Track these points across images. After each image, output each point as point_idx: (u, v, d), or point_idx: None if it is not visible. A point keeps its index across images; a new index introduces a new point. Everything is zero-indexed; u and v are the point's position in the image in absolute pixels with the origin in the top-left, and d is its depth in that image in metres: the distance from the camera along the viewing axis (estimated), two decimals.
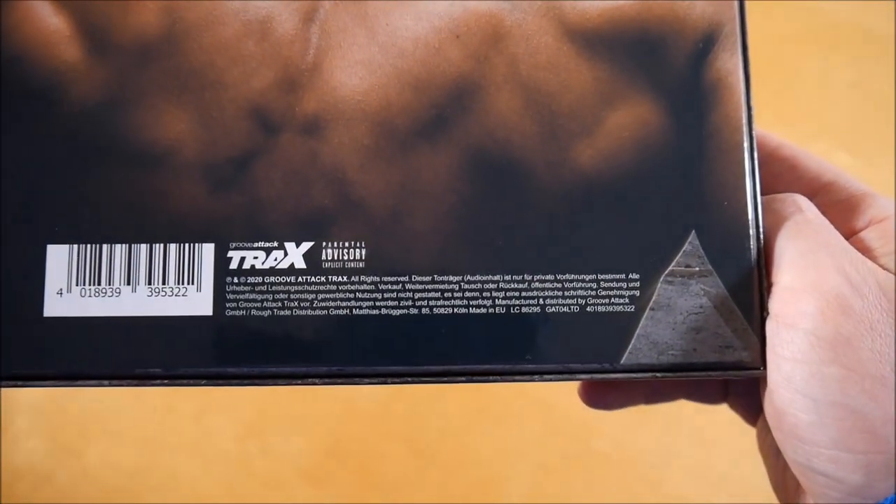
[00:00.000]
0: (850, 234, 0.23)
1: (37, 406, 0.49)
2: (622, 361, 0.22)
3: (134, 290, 0.22)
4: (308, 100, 0.22)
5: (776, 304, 0.22)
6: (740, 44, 0.23)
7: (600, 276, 0.22)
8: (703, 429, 0.51)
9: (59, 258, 0.22)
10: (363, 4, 0.23)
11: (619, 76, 0.23)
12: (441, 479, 0.47)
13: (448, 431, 0.47)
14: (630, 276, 0.22)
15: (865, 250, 0.22)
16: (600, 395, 0.29)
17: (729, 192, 0.23)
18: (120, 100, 0.22)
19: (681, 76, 0.23)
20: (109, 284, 0.22)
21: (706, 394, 0.29)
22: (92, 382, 0.21)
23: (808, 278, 0.21)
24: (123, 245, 0.22)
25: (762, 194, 0.25)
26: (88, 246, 0.22)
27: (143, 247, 0.22)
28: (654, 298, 0.22)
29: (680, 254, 0.22)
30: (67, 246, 0.22)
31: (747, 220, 0.22)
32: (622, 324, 0.22)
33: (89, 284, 0.22)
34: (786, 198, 0.23)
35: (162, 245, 0.22)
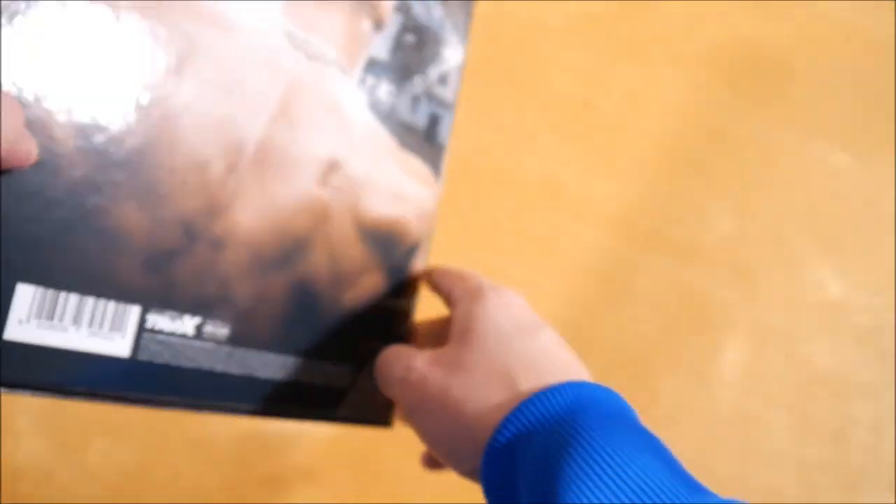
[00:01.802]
0: None
1: (38, 405, 0.47)
2: None
3: (78, 329, 0.30)
4: (218, 226, 0.34)
5: None
6: (426, 250, 0.43)
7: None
8: (703, 429, 0.54)
9: (25, 296, 0.29)
10: (263, 165, 0.36)
11: (373, 256, 0.41)
12: (441, 479, 0.47)
13: None
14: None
15: None
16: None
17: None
18: (95, 191, 0.30)
19: (401, 264, 0.42)
20: (60, 321, 0.30)
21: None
22: (26, 392, 0.29)
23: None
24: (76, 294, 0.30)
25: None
26: (48, 290, 0.29)
27: (90, 299, 0.30)
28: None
29: None
30: (33, 287, 0.29)
31: None
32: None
33: (45, 318, 0.29)
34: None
35: (104, 300, 0.31)
